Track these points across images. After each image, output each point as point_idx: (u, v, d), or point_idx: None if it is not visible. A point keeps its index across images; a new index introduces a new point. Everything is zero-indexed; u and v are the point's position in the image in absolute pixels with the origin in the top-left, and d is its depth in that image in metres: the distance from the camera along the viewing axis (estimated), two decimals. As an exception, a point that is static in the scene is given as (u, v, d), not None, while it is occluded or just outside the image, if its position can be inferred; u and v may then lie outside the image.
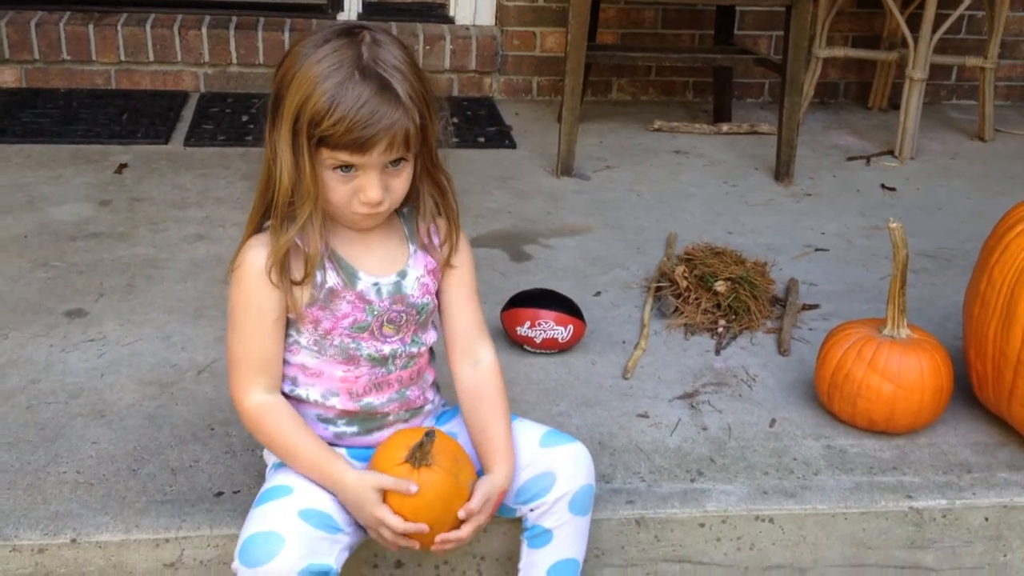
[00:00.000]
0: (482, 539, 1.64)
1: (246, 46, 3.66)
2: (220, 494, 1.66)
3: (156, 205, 2.77)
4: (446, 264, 1.56)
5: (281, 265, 1.44)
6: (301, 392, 1.52)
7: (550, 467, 1.52)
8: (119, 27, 3.58)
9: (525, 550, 1.58)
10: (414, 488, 1.40)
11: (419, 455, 1.42)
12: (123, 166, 3.02)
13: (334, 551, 1.42)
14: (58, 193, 2.81)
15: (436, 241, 1.56)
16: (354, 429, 1.54)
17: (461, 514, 1.45)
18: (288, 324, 1.50)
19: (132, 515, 1.60)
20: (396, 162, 1.41)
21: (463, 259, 1.59)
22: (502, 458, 1.52)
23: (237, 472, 1.71)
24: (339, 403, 1.52)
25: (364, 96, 1.34)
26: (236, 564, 1.38)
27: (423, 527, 1.42)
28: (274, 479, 1.50)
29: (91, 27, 3.57)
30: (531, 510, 1.53)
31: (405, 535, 1.43)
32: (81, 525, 1.58)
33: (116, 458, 1.73)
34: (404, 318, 1.52)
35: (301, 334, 1.50)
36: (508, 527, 1.63)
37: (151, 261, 2.44)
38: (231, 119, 3.43)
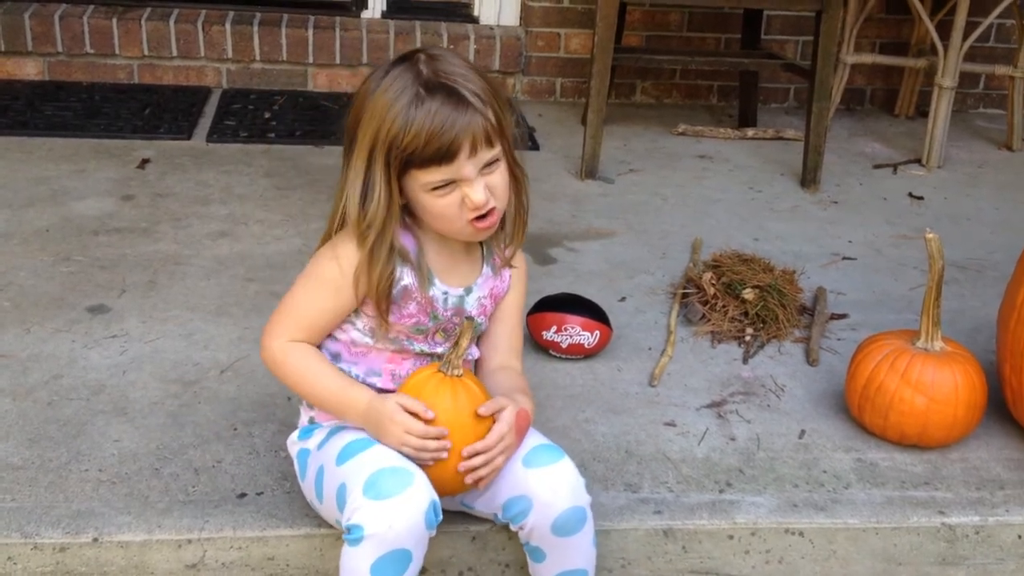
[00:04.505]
0: (507, 547, 1.62)
1: (270, 43, 3.64)
2: (243, 495, 1.64)
3: (179, 201, 2.75)
4: (508, 263, 1.57)
5: (378, 290, 1.46)
6: (343, 367, 1.53)
7: (526, 491, 1.48)
8: (143, 21, 3.57)
9: (528, 561, 1.57)
10: (431, 414, 1.41)
11: (453, 356, 1.44)
12: (146, 161, 3.01)
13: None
14: (81, 187, 2.80)
15: (508, 272, 1.58)
16: None
17: (481, 410, 1.43)
18: None
19: (154, 515, 1.58)
20: (489, 163, 1.41)
21: (522, 283, 1.62)
22: (519, 393, 1.53)
23: (260, 473, 1.69)
24: (380, 383, 1.53)
25: (435, 106, 1.36)
26: (359, 500, 1.36)
27: (443, 429, 1.41)
28: (338, 441, 1.48)
29: (115, 21, 3.56)
30: (520, 528, 1.51)
31: (431, 440, 1.41)
32: (103, 524, 1.56)
33: (138, 457, 1.72)
34: (457, 330, 1.52)
35: (359, 317, 1.51)
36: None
37: (174, 257, 2.42)
38: (254, 116, 3.42)
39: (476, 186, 1.40)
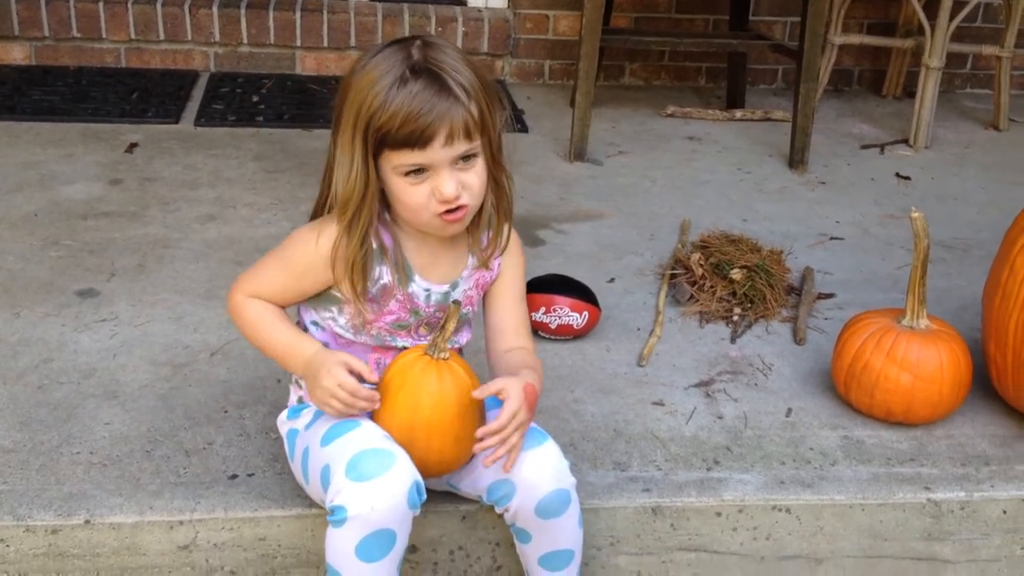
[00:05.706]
0: (497, 526, 1.63)
1: (257, 25, 3.63)
2: (234, 477, 1.65)
3: (167, 185, 2.75)
4: (486, 265, 1.55)
5: (352, 269, 1.44)
6: None
7: (509, 474, 1.48)
8: (129, 5, 3.56)
9: (515, 542, 1.58)
10: (375, 377, 1.44)
11: (439, 339, 1.44)
12: (134, 145, 3.01)
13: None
14: (69, 172, 2.79)
15: (497, 261, 1.57)
16: None
17: (476, 393, 1.43)
18: (329, 300, 1.50)
19: (146, 497, 1.59)
20: (466, 158, 1.39)
21: (515, 262, 1.60)
22: (525, 368, 1.51)
23: (251, 455, 1.70)
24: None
25: (416, 89, 1.35)
26: (342, 482, 1.37)
27: (376, 395, 1.43)
28: (324, 422, 1.48)
29: (101, 4, 3.54)
30: (504, 510, 1.51)
31: (361, 400, 1.42)
32: (95, 506, 1.57)
33: (129, 439, 1.72)
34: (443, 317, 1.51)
35: (342, 314, 1.51)
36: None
37: (163, 241, 2.42)
38: (242, 99, 3.41)
39: (447, 178, 1.38)
